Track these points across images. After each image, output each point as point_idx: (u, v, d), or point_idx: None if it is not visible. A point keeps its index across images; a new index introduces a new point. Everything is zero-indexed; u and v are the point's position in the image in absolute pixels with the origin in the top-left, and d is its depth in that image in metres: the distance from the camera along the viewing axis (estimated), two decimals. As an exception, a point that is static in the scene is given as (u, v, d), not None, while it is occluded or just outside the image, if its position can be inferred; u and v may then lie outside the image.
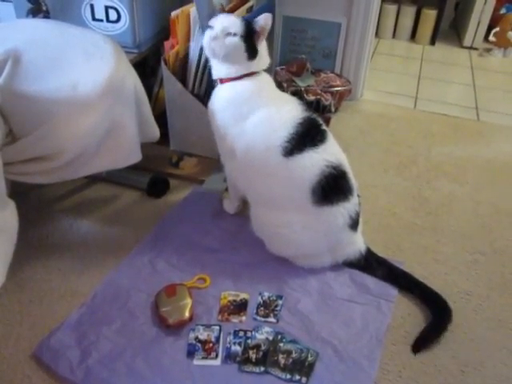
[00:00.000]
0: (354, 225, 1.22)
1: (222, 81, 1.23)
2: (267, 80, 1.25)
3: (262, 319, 1.13)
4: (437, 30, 3.18)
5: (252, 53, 1.18)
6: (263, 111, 1.18)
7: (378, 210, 1.53)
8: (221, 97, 1.24)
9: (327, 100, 2.03)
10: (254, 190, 1.25)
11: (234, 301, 1.17)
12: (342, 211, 1.17)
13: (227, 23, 1.16)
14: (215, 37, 1.16)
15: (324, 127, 1.21)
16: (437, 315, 1.15)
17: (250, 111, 1.18)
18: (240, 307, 1.15)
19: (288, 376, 1.00)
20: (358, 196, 1.25)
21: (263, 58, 1.23)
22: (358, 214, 1.23)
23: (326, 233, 1.20)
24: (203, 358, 1.03)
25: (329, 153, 1.16)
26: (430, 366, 1.05)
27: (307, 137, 1.15)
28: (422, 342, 1.09)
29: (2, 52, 1.16)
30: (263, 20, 1.16)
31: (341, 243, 1.23)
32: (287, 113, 1.17)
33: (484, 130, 2.10)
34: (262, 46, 1.22)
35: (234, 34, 1.15)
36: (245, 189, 1.29)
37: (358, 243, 1.27)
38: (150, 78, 1.76)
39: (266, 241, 1.29)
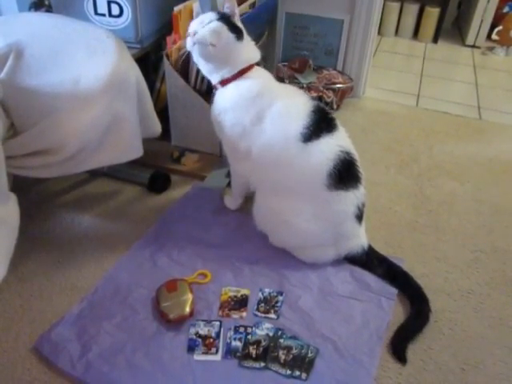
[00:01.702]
0: (360, 216, 1.23)
1: (223, 82, 1.22)
2: (266, 73, 1.26)
3: (263, 315, 1.13)
4: (439, 28, 3.17)
5: (237, 31, 1.19)
6: (278, 104, 1.19)
7: (379, 208, 1.53)
8: (228, 98, 1.22)
9: (329, 97, 2.03)
10: (269, 181, 1.24)
11: (235, 296, 1.17)
12: (353, 198, 1.19)
13: (200, 19, 1.19)
14: (193, 33, 1.17)
15: (332, 115, 1.24)
16: (414, 318, 1.14)
17: (265, 107, 1.19)
18: (240, 303, 1.15)
19: (288, 372, 1.00)
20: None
21: (252, 48, 1.25)
22: (364, 206, 1.24)
23: (336, 221, 1.20)
24: (203, 353, 1.03)
25: (342, 139, 1.20)
26: (430, 364, 1.05)
27: (322, 124, 1.18)
28: (398, 344, 1.08)
29: (4, 46, 1.16)
30: (226, 2, 1.19)
31: (346, 234, 1.23)
32: (300, 102, 1.21)
33: (486, 129, 2.10)
34: (247, 39, 1.23)
35: (210, 21, 1.16)
36: (258, 182, 1.28)
37: (361, 238, 1.27)
38: (152, 73, 1.76)
39: (271, 232, 1.29)
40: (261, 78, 1.23)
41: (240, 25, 1.21)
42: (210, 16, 1.18)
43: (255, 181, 1.29)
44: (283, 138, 1.17)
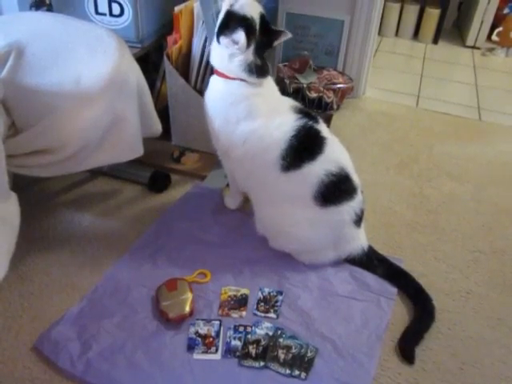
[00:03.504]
0: (358, 221, 1.23)
1: (214, 70, 1.23)
2: (257, 90, 1.19)
3: (262, 314, 1.13)
4: (440, 28, 3.17)
5: (223, 28, 1.13)
6: (253, 125, 1.16)
7: (378, 208, 1.53)
8: (214, 93, 1.24)
9: (329, 97, 2.03)
10: (256, 191, 1.26)
11: (235, 296, 1.17)
12: (347, 209, 1.19)
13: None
14: None
15: (322, 133, 1.18)
16: (420, 319, 1.14)
17: (239, 119, 1.18)
18: (240, 302, 1.16)
19: (287, 371, 1.00)
20: (361, 192, 1.25)
21: (237, 65, 1.15)
22: (362, 211, 1.24)
23: (333, 229, 1.21)
24: (203, 352, 1.03)
25: (328, 161, 1.15)
26: (428, 363, 1.05)
27: (304, 151, 1.15)
28: (407, 344, 1.08)
29: (5, 45, 1.16)
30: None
31: (345, 239, 1.23)
32: (277, 128, 1.15)
33: (485, 130, 2.10)
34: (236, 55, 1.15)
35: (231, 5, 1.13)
36: (245, 187, 1.30)
37: (361, 239, 1.27)
38: (153, 72, 1.76)
39: (271, 238, 1.29)
40: (248, 90, 1.17)
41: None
42: (255, 10, 1.14)
43: (244, 186, 1.30)
44: (259, 161, 1.17)
